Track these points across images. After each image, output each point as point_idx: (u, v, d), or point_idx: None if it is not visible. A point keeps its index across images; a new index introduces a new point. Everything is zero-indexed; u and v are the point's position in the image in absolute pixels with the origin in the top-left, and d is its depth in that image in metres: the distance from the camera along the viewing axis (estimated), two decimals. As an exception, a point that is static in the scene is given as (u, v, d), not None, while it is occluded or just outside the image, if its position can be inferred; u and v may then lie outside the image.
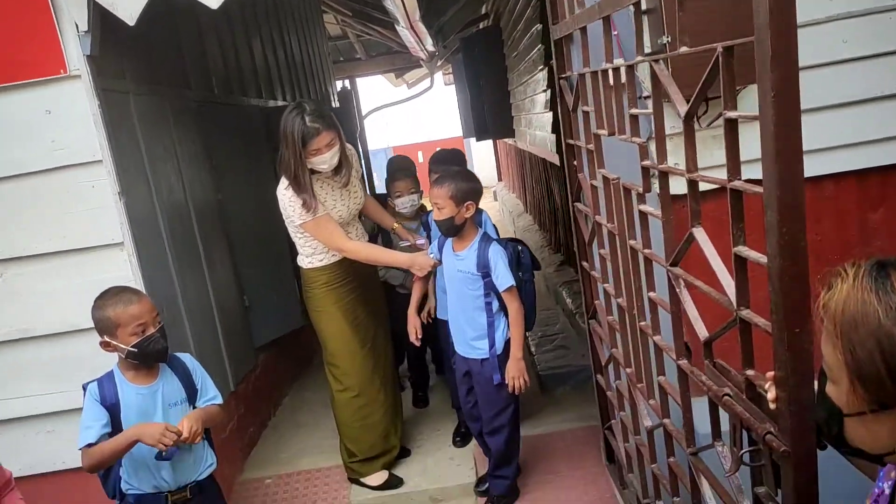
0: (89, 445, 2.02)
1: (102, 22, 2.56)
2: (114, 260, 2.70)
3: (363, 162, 8.85)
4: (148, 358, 2.09)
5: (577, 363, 3.81)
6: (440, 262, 2.88)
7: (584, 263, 2.68)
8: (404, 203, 3.53)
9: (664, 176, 1.63)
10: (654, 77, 1.57)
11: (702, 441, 1.74)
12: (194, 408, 2.21)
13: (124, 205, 2.68)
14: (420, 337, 3.06)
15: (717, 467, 1.64)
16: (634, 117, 1.79)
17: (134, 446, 2.03)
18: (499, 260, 2.66)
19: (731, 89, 1.23)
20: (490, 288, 2.70)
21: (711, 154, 2.20)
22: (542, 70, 4.89)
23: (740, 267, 1.30)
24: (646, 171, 1.75)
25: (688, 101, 1.42)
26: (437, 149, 4.05)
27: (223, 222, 3.84)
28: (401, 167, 3.82)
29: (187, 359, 2.28)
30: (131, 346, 2.04)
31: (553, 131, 4.83)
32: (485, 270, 2.67)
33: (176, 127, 3.40)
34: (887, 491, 0.91)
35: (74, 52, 2.54)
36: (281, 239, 3.68)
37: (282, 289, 4.19)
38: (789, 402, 1.15)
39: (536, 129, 5.85)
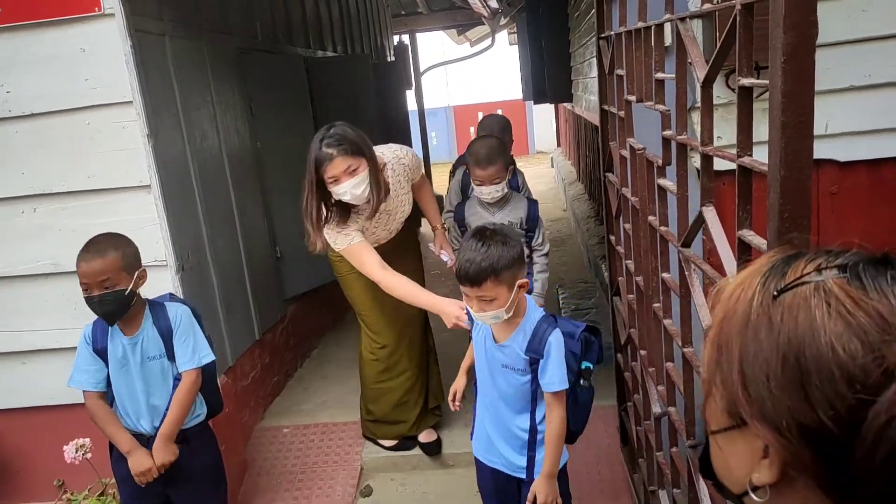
0: (102, 394, 2.19)
1: (138, -39, 2.54)
2: (140, 202, 2.72)
3: (420, 121, 8.73)
4: (97, 314, 2.10)
5: (607, 340, 3.68)
6: (470, 328, 2.22)
7: (612, 237, 2.55)
8: (481, 193, 2.95)
9: (682, 148, 1.50)
10: (679, 39, 1.43)
11: (705, 434, 1.63)
12: (173, 362, 2.19)
13: (153, 148, 2.68)
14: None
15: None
16: (660, 83, 1.65)
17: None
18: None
19: (748, 52, 1.09)
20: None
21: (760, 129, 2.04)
22: (599, 32, 4.66)
23: (744, 253, 1.17)
24: (667, 142, 1.62)
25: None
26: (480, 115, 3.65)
27: (259, 171, 3.84)
28: (486, 144, 2.97)
29: (175, 312, 2.19)
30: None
31: (606, 97, 4.63)
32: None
33: (214, 72, 3.39)
34: None
35: (109, -10, 2.53)
36: (316, 192, 3.66)
37: (316, 242, 4.19)
38: (777, 406, 1.03)
39: (591, 93, 5.63)
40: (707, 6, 1.26)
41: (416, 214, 3.17)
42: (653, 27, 1.64)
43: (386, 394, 3.13)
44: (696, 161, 1.60)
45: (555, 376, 1.94)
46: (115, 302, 2.04)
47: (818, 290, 0.59)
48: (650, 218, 1.83)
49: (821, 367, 0.57)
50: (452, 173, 3.63)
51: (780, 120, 0.95)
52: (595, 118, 5.63)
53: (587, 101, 5.98)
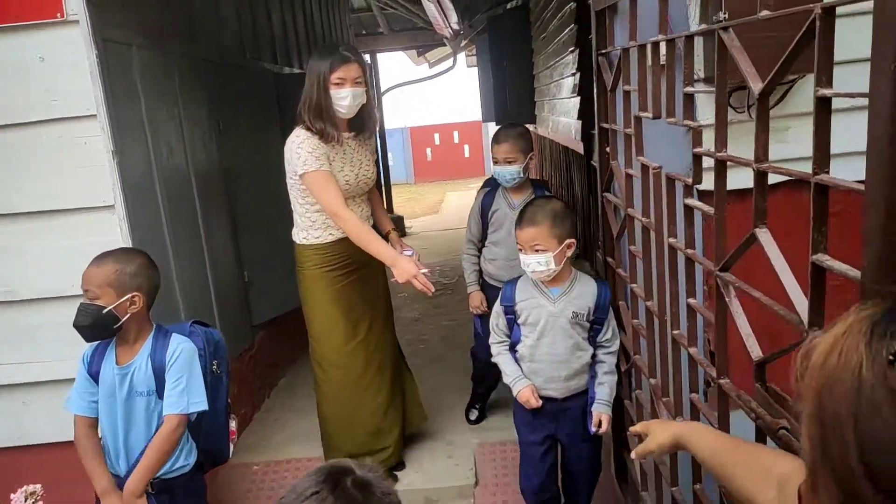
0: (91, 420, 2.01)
1: (105, -36, 2.36)
2: (104, 224, 2.52)
3: (378, 140, 8.61)
4: None
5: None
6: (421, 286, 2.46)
7: (610, 259, 2.46)
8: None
9: (721, 166, 1.41)
10: (721, 50, 1.34)
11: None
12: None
13: (118, 165, 2.50)
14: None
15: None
16: (689, 98, 1.57)
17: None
18: None
19: (828, 60, 1.01)
20: None
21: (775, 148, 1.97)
22: (571, 52, 4.64)
23: (817, 280, 1.08)
24: (698, 160, 1.53)
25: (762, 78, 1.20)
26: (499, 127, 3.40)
27: (227, 191, 3.64)
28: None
29: (175, 347, 1.97)
30: None
31: (580, 117, 4.60)
32: None
33: (182, 86, 3.20)
34: None
35: (73, -5, 2.34)
36: (288, 212, 3.48)
37: (286, 265, 3.98)
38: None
39: (560, 115, 5.62)
40: (764, 13, 1.17)
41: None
42: (683, 38, 1.56)
43: (357, 425, 2.92)
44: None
45: None
46: (89, 316, 1.87)
47: None
48: (671, 240, 1.74)
49: None
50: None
51: (889, 133, 0.86)
52: (564, 139, 5.62)
53: (555, 123, 5.97)
